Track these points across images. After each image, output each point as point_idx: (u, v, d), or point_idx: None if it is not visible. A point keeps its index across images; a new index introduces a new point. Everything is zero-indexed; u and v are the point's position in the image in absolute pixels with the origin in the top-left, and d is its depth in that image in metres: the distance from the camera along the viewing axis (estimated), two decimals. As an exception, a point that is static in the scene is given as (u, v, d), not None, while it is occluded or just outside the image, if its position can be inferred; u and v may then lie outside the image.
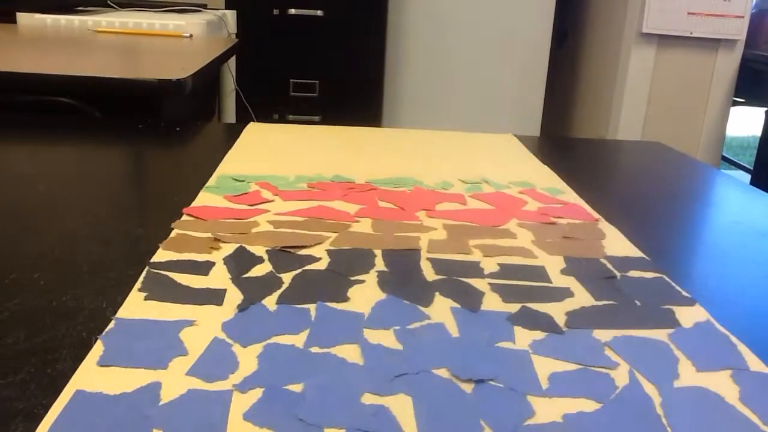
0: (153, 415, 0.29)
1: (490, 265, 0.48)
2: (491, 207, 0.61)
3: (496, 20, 2.49)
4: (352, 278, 0.44)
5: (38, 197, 0.58)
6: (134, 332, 0.36)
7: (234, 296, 0.40)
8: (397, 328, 0.38)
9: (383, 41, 2.43)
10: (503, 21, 2.50)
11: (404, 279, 0.44)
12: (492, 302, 0.42)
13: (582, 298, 0.43)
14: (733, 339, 0.39)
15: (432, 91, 2.57)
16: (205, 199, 0.58)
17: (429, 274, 0.46)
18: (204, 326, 0.37)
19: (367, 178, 0.67)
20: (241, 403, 0.30)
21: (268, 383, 0.32)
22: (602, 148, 1.04)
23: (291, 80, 2.37)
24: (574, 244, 0.53)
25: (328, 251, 0.48)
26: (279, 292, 0.41)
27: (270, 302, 0.40)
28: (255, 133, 0.84)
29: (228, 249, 0.47)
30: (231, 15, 1.95)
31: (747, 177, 2.75)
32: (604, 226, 0.58)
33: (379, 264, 0.46)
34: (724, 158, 3.08)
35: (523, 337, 0.38)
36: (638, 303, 0.43)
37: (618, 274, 0.47)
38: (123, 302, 0.39)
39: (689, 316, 0.42)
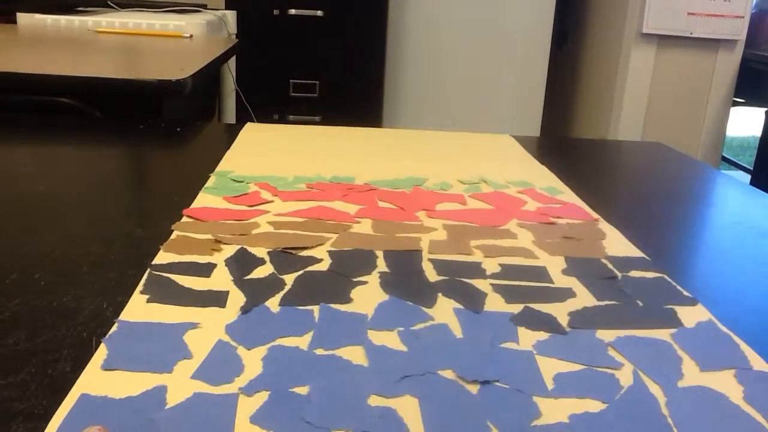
0: (159, 419, 0.29)
1: (491, 265, 0.48)
2: (491, 207, 0.61)
3: (496, 20, 2.49)
4: (354, 279, 0.44)
5: (38, 197, 0.58)
6: (138, 335, 0.35)
7: (236, 298, 0.40)
8: (401, 329, 0.38)
9: (383, 41, 2.42)
10: (503, 21, 2.49)
11: (406, 280, 0.44)
12: (495, 303, 0.42)
13: (584, 298, 0.43)
14: (736, 338, 0.39)
15: (432, 91, 2.57)
16: (204, 200, 0.58)
17: (431, 274, 0.45)
18: (207, 329, 0.37)
19: (365, 179, 0.66)
20: (247, 406, 0.30)
21: (273, 386, 0.32)
22: (602, 149, 1.03)
23: (291, 80, 2.37)
24: (575, 245, 0.53)
25: (330, 252, 0.48)
26: (281, 293, 0.41)
27: (273, 304, 0.40)
28: (252, 133, 0.84)
29: (229, 250, 0.47)
30: (231, 15, 1.95)
31: (747, 177, 2.75)
32: (604, 226, 0.58)
33: (381, 265, 0.46)
34: (724, 158, 3.08)
35: (527, 338, 0.38)
36: (640, 303, 0.43)
37: (619, 274, 0.47)
38: (123, 303, 0.39)
39: (691, 315, 0.42)
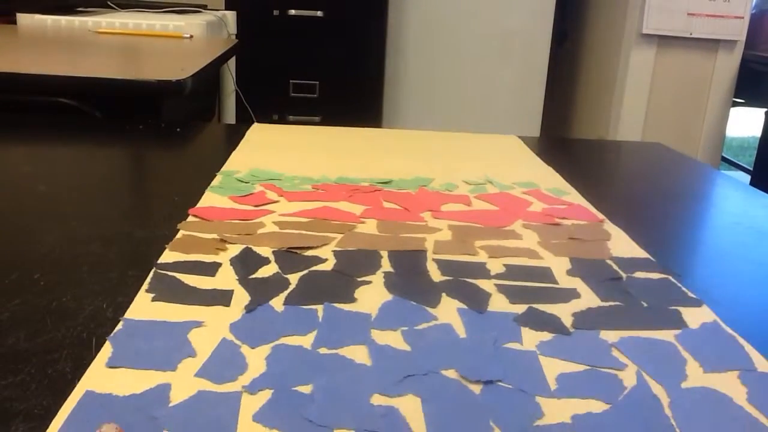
0: (162, 417, 0.29)
1: (496, 266, 0.47)
2: (496, 208, 0.61)
3: (496, 20, 2.49)
4: (359, 279, 0.44)
5: (38, 197, 0.58)
6: (142, 333, 0.35)
7: (241, 297, 0.40)
8: (405, 328, 0.38)
9: (383, 41, 2.42)
10: (503, 21, 2.49)
11: (411, 280, 0.44)
12: (498, 303, 0.42)
13: (588, 299, 0.43)
14: (740, 340, 0.39)
15: (432, 91, 2.57)
16: (210, 199, 0.58)
17: (435, 275, 0.45)
18: (212, 327, 0.36)
19: (371, 179, 0.66)
20: (251, 404, 0.30)
21: (277, 385, 0.31)
22: (603, 149, 1.03)
23: (291, 81, 2.37)
24: (580, 245, 0.53)
25: (334, 252, 0.48)
26: (286, 293, 0.41)
27: (277, 303, 0.40)
28: (259, 133, 0.84)
29: (234, 250, 0.47)
30: (231, 15, 1.95)
31: (747, 177, 2.75)
32: (609, 227, 0.57)
33: (386, 265, 0.46)
34: (724, 159, 3.08)
35: (530, 338, 0.38)
36: (645, 304, 0.43)
37: (624, 275, 0.47)
38: (123, 303, 0.39)
39: (696, 316, 0.42)
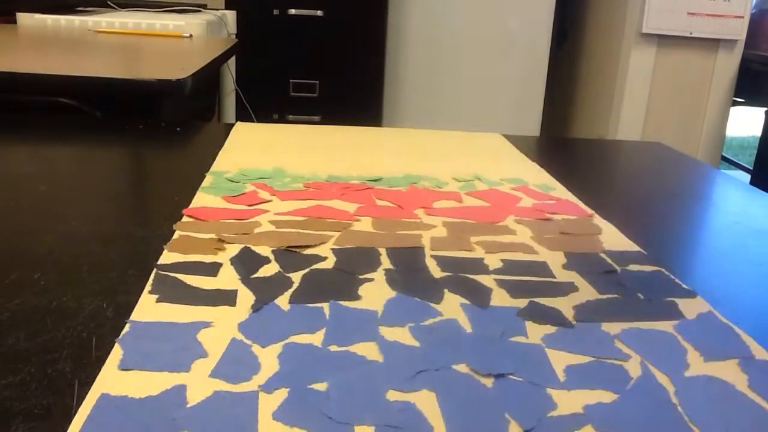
0: (181, 418, 0.28)
1: (493, 261, 0.48)
2: (487, 204, 0.61)
3: (496, 20, 2.49)
4: (361, 276, 0.44)
5: (38, 197, 0.58)
6: (151, 335, 0.35)
7: (246, 297, 0.40)
8: (412, 324, 0.38)
9: (383, 41, 2.42)
10: (503, 21, 2.49)
11: (411, 276, 0.44)
12: (500, 298, 0.42)
13: (586, 292, 0.44)
14: (736, 329, 0.40)
15: (432, 91, 2.57)
16: (202, 199, 0.57)
17: (435, 271, 0.45)
18: (220, 327, 0.36)
19: (361, 177, 0.66)
20: (268, 403, 0.30)
21: (292, 383, 0.31)
22: (602, 149, 1.03)
23: (291, 80, 2.37)
24: (572, 240, 0.53)
25: (333, 250, 0.48)
26: (290, 291, 0.41)
27: (283, 302, 0.40)
28: (243, 133, 0.83)
29: (233, 250, 0.47)
30: (231, 15, 1.95)
31: (747, 177, 2.75)
32: (599, 221, 0.58)
33: (385, 262, 0.46)
34: (724, 158, 3.08)
35: (535, 332, 0.38)
36: (641, 296, 0.44)
37: (618, 268, 0.48)
38: (123, 302, 0.38)
39: (691, 307, 0.42)
